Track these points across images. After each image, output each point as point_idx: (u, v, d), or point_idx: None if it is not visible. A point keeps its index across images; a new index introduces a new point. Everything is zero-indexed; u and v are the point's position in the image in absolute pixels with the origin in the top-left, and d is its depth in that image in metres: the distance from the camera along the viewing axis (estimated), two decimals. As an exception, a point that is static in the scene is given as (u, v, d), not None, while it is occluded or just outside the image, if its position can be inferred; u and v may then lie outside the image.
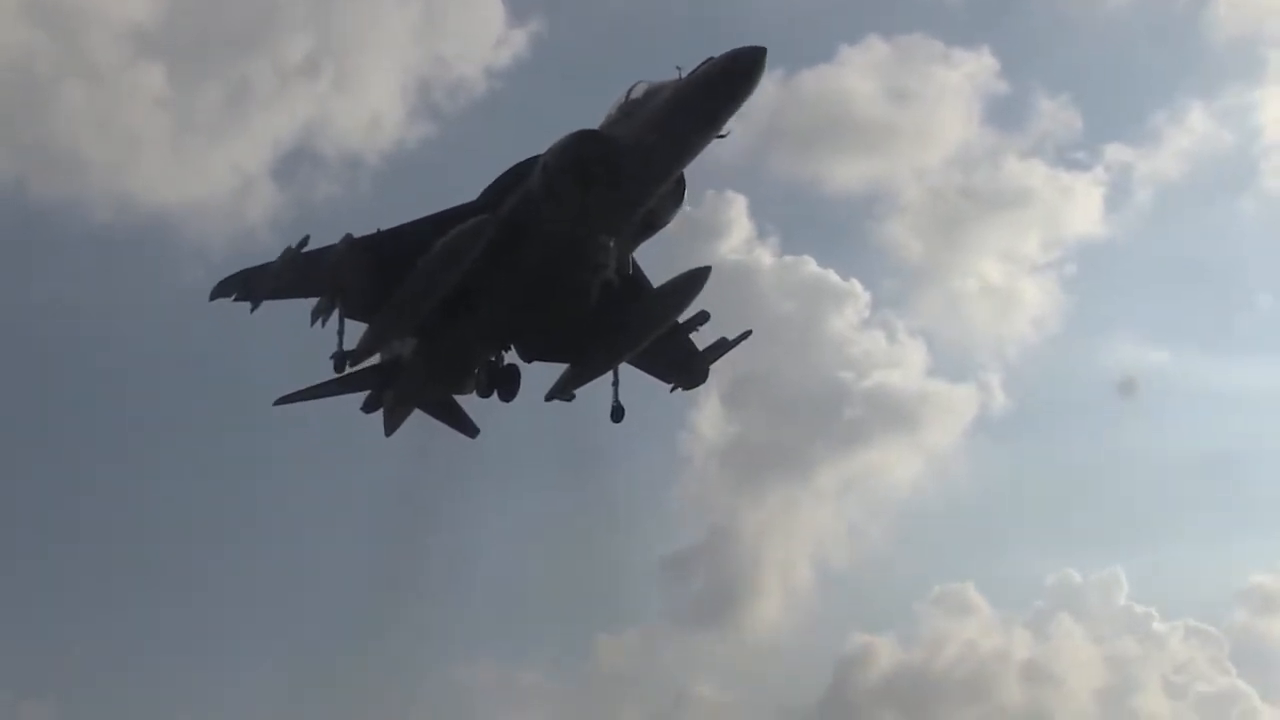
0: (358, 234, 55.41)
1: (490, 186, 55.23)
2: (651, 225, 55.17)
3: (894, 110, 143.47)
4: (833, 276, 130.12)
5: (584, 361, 60.25)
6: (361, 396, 64.45)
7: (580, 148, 51.56)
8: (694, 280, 57.55)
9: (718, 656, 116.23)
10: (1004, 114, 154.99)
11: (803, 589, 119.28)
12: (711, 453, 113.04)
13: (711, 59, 48.54)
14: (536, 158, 53.71)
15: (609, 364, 60.08)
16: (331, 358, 57.50)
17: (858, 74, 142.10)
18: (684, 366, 61.60)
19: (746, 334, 61.27)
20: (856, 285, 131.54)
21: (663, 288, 57.99)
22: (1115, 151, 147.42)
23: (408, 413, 65.01)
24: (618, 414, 60.54)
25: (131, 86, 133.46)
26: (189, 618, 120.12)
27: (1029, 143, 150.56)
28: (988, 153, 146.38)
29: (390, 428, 65.19)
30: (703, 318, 59.34)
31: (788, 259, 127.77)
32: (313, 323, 57.33)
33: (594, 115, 53.34)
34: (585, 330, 58.41)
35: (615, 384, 60.57)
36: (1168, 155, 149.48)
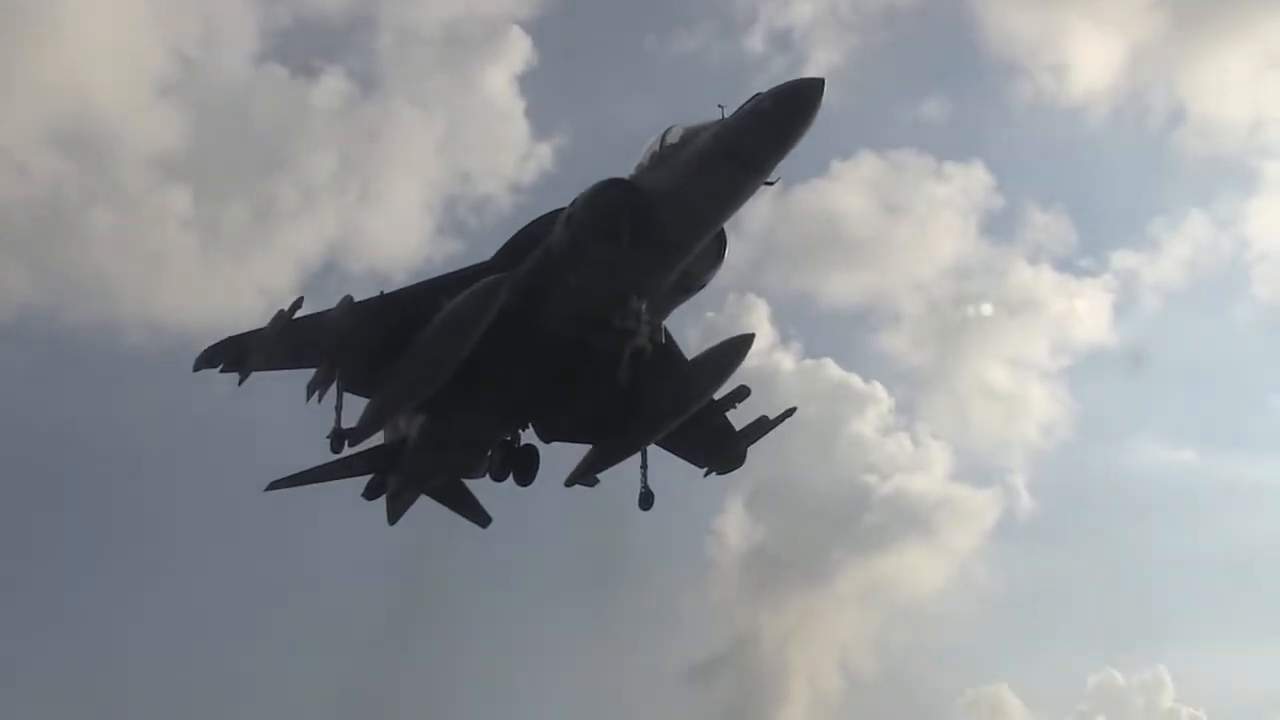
0: None
1: (506, 245, 49.39)
2: (688, 287, 48.96)
3: (890, 223, 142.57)
4: (855, 380, 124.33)
5: (610, 442, 54.02)
6: (362, 481, 58.46)
7: (611, 196, 45.74)
8: (735, 350, 51.49)
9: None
10: (1001, 225, 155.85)
11: (831, 695, 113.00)
12: (736, 557, 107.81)
13: (760, 94, 42.84)
14: (556, 213, 48.04)
15: (638, 445, 53.71)
16: (328, 437, 51.65)
17: (851, 188, 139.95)
18: (719, 448, 55.36)
19: (790, 411, 54.98)
20: (879, 389, 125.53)
21: (700, 358, 51.83)
22: (1121, 259, 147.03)
23: (413, 499, 59.00)
24: (646, 500, 54.18)
25: (158, 211, 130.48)
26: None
27: (1028, 252, 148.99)
28: (989, 262, 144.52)
29: (394, 515, 59.20)
30: (743, 393, 53.28)
31: (808, 363, 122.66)
32: (308, 397, 51.43)
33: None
34: (612, 407, 52.24)
35: (644, 467, 54.25)
36: (1169, 263, 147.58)
